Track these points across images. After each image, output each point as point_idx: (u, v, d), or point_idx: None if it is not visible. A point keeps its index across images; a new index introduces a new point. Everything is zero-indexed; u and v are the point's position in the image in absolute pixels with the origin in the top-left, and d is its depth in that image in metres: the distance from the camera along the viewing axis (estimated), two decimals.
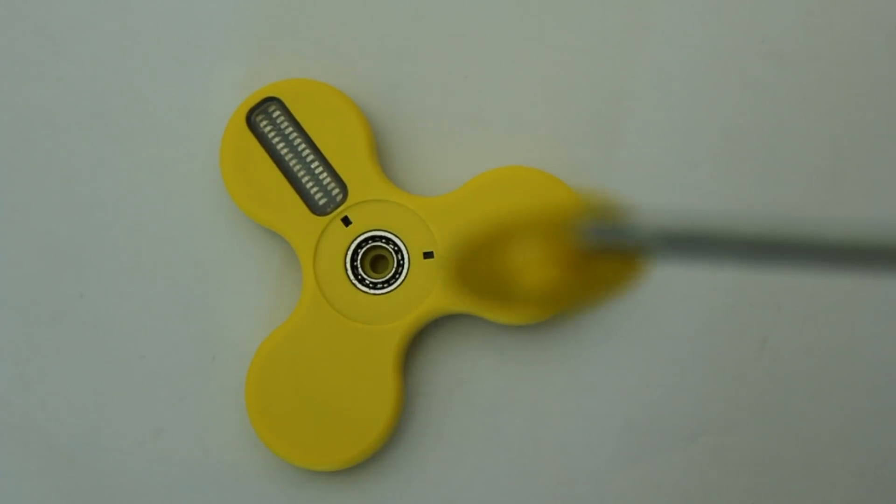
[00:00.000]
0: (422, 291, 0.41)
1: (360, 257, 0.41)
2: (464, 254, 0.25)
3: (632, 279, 0.24)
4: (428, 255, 0.41)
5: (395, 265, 0.41)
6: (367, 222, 0.41)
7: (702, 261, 0.22)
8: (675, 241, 0.22)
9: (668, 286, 0.42)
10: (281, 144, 0.41)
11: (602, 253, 0.23)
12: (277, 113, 0.41)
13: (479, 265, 0.24)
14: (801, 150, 0.42)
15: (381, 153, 0.42)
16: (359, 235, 0.41)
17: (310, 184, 0.41)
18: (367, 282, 0.41)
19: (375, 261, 0.41)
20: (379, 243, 0.41)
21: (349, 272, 0.41)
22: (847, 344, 0.42)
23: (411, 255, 0.41)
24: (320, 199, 0.41)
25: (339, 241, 0.41)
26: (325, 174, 0.41)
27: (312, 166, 0.41)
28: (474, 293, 0.26)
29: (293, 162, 0.41)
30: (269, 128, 0.41)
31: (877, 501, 0.42)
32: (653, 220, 0.22)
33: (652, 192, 0.42)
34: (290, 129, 0.41)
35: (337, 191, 0.41)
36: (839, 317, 0.42)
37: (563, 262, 0.23)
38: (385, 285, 0.41)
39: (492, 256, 0.24)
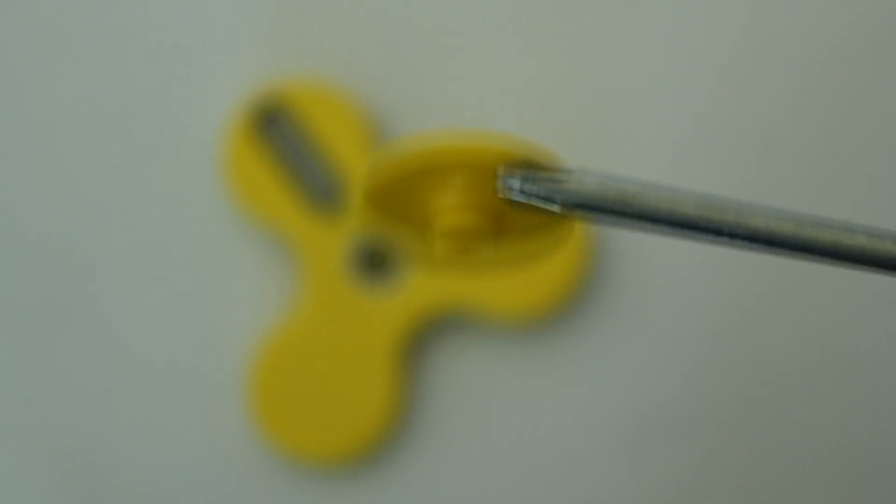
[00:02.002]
0: (421, 289, 0.41)
1: (359, 255, 0.41)
2: (382, 180, 0.23)
3: (553, 238, 0.23)
4: None
5: (395, 263, 0.41)
6: (368, 220, 0.41)
7: (626, 226, 0.22)
8: (599, 206, 0.21)
9: (664, 283, 0.42)
10: (281, 142, 0.41)
11: (525, 206, 0.22)
12: (277, 110, 0.41)
13: (397, 194, 0.23)
14: (799, 150, 0.42)
15: (382, 149, 0.42)
16: (359, 233, 0.41)
17: (310, 182, 0.41)
18: (367, 280, 0.41)
19: (376, 259, 0.41)
20: (379, 241, 0.41)
21: (349, 270, 0.41)
22: (843, 341, 0.42)
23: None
24: (320, 197, 0.41)
25: (339, 240, 0.41)
26: (325, 172, 0.41)
27: (312, 164, 0.41)
28: (385, 218, 0.24)
29: (293, 160, 0.41)
30: (269, 125, 0.41)
31: (872, 497, 0.43)
32: (581, 182, 0.21)
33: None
34: (291, 126, 0.41)
35: (337, 189, 0.41)
36: (835, 314, 0.42)
37: (483, 208, 0.22)
38: (385, 284, 0.41)
39: (410, 189, 0.23)
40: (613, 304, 0.42)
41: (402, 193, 0.23)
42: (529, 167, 0.22)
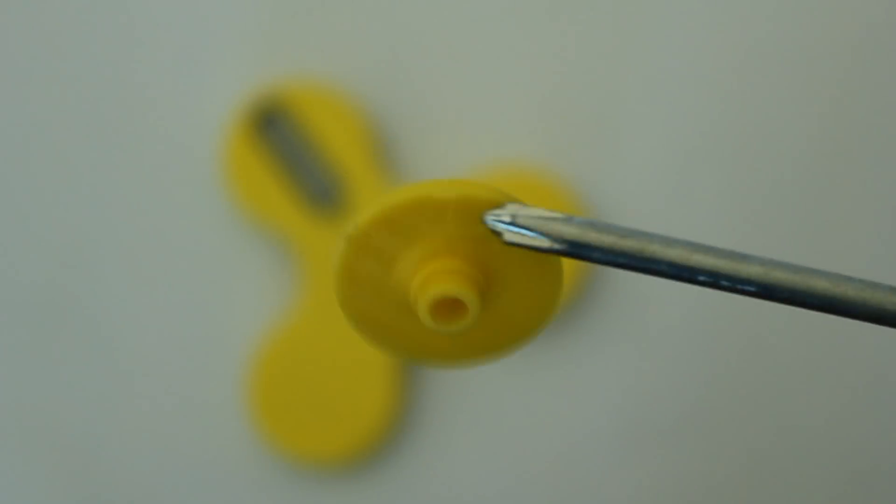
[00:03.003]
0: None
1: None
2: (366, 224, 0.22)
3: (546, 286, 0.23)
4: None
5: None
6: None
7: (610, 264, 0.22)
8: (593, 247, 0.21)
9: (664, 283, 0.42)
10: (280, 143, 0.41)
11: (513, 246, 0.22)
12: (277, 111, 0.41)
13: (379, 248, 0.22)
14: (799, 154, 0.42)
15: (383, 151, 0.42)
16: None
17: (310, 182, 0.41)
18: None
19: None
20: None
21: None
22: (844, 341, 0.42)
23: None
24: (321, 198, 0.41)
25: (340, 241, 0.41)
26: (324, 173, 0.41)
27: (312, 165, 0.41)
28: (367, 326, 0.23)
29: (293, 161, 0.41)
30: (268, 126, 0.41)
31: (872, 497, 0.43)
32: (574, 223, 0.21)
33: (647, 191, 0.42)
34: (290, 127, 0.41)
35: (338, 190, 0.41)
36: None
37: (467, 256, 0.22)
38: None
39: (393, 241, 0.22)
40: (613, 304, 0.42)
41: (384, 248, 0.22)
42: (519, 204, 0.22)
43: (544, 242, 0.21)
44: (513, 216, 0.21)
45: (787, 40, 0.42)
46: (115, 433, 0.43)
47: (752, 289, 0.22)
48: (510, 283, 0.23)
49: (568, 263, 0.22)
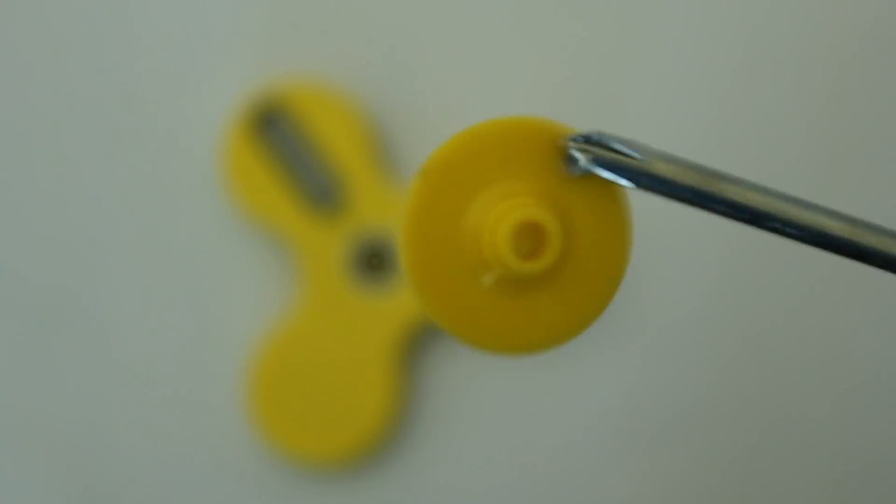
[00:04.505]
0: None
1: (358, 256, 0.41)
2: (437, 163, 0.21)
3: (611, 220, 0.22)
4: None
5: (394, 265, 0.41)
6: (367, 221, 0.41)
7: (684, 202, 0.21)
8: (680, 187, 0.21)
9: (664, 283, 0.42)
10: (280, 143, 0.41)
11: (592, 182, 0.21)
12: (276, 111, 0.41)
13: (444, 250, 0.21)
14: (796, 153, 0.42)
15: (382, 151, 0.42)
16: (358, 234, 0.41)
17: (309, 183, 0.41)
18: (366, 281, 0.41)
19: (375, 260, 0.42)
20: (379, 242, 0.41)
21: (348, 271, 0.41)
22: (844, 340, 0.42)
23: None
24: (319, 198, 0.41)
25: (339, 241, 0.41)
26: (323, 173, 0.41)
27: (311, 165, 0.41)
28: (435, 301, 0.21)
29: (292, 161, 0.41)
30: (268, 126, 0.41)
31: (872, 497, 0.43)
32: (661, 160, 0.21)
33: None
34: (289, 127, 0.41)
35: (337, 190, 0.41)
36: (836, 313, 0.42)
37: (541, 193, 0.21)
38: (384, 285, 0.41)
39: (462, 191, 0.21)
40: (613, 303, 0.42)
41: (459, 186, 0.21)
42: (598, 137, 0.21)
43: (622, 181, 0.20)
44: (595, 148, 0.21)
45: (788, 40, 0.42)
46: (114, 433, 0.43)
47: (829, 244, 0.21)
48: (581, 243, 0.21)
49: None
